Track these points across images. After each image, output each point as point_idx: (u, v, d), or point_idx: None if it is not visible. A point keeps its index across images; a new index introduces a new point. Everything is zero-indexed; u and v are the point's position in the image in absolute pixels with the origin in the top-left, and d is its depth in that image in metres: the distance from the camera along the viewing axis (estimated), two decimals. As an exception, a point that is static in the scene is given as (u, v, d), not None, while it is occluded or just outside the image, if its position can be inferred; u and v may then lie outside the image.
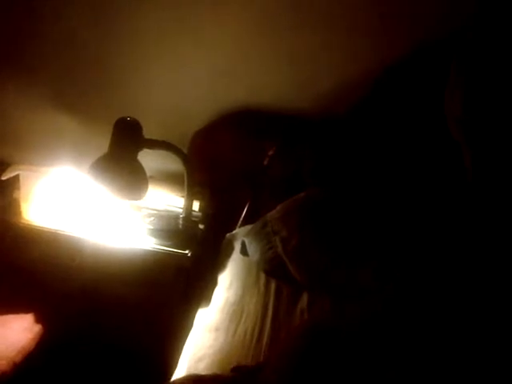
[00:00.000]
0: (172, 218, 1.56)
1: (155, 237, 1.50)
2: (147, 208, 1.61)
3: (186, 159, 1.43)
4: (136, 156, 1.37)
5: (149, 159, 1.41)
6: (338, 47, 1.46)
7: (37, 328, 1.35)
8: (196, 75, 1.57)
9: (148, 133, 1.38)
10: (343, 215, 1.32)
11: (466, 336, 0.65)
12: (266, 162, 1.58)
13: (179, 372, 1.13)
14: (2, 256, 1.52)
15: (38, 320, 1.37)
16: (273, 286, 1.31)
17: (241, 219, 1.61)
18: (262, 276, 1.35)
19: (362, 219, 1.29)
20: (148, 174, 1.41)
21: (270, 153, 1.57)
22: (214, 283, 1.39)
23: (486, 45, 0.62)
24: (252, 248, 1.37)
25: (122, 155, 1.36)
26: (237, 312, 1.23)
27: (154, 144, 1.39)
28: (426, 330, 0.70)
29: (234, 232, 1.57)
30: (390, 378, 0.67)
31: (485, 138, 0.63)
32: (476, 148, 0.67)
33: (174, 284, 1.45)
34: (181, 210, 1.51)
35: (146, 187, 1.41)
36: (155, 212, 1.60)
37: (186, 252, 1.46)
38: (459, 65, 0.65)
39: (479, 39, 0.65)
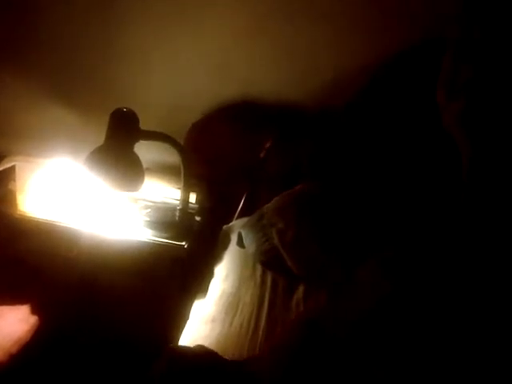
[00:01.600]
0: (168, 209, 1.56)
1: (152, 228, 1.50)
2: (144, 200, 1.61)
3: (182, 151, 1.42)
4: (132, 147, 1.36)
5: (145, 151, 1.41)
6: (337, 41, 1.46)
7: (33, 319, 1.35)
8: (194, 67, 1.57)
9: (145, 124, 1.37)
10: (340, 209, 1.32)
11: (464, 337, 0.64)
12: (262, 155, 1.57)
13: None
14: (-2, 247, 1.52)
15: (34, 311, 1.37)
16: (269, 277, 1.31)
17: (237, 211, 1.61)
18: (259, 268, 1.35)
19: (359, 214, 1.29)
20: (144, 165, 1.40)
21: (267, 145, 1.56)
22: (211, 275, 1.39)
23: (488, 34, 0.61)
24: (248, 240, 1.37)
25: (118, 146, 1.36)
26: (233, 304, 1.23)
27: (150, 135, 1.39)
28: (421, 330, 0.69)
29: (230, 224, 1.57)
30: (381, 377, 0.67)
31: (488, 133, 0.62)
32: (477, 144, 0.65)
33: (171, 276, 1.45)
34: (177, 202, 1.50)
35: (143, 179, 1.40)
36: (152, 204, 1.60)
37: (183, 244, 1.46)
38: (461, 54, 0.63)
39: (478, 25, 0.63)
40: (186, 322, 1.25)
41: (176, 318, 1.32)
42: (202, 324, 1.20)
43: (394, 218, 1.23)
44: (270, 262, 1.33)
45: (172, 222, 1.50)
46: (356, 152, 1.47)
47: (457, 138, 0.72)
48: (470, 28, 0.69)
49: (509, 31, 0.59)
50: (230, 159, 1.62)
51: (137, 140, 1.36)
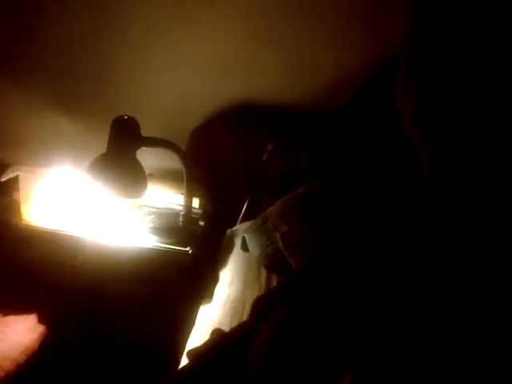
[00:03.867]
0: (172, 215, 1.56)
1: (156, 235, 1.50)
2: (147, 206, 1.61)
3: (184, 156, 1.42)
4: (134, 154, 1.37)
5: (147, 157, 1.41)
6: (337, 42, 1.46)
7: (40, 328, 1.36)
8: (193, 73, 1.57)
9: (146, 130, 1.37)
10: (343, 210, 1.31)
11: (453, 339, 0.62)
12: (264, 158, 1.58)
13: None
14: (3, 257, 1.53)
15: (41, 320, 1.38)
16: (274, 281, 1.31)
17: (241, 215, 1.61)
18: (263, 271, 1.35)
19: (362, 214, 1.29)
20: (147, 171, 1.41)
21: (269, 148, 1.57)
22: (216, 280, 1.39)
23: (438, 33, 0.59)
24: (252, 244, 1.37)
25: (120, 154, 1.36)
26: (238, 308, 1.23)
27: (152, 142, 1.39)
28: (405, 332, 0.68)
29: (234, 228, 1.57)
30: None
31: (443, 134, 0.61)
32: (433, 146, 0.64)
33: (176, 281, 1.45)
34: (181, 208, 1.51)
35: (145, 185, 1.41)
36: (155, 210, 1.61)
37: (187, 249, 1.46)
38: (412, 54, 0.62)
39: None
40: (192, 328, 1.26)
41: (182, 322, 1.32)
42: (208, 329, 1.19)
43: (395, 219, 1.23)
44: (274, 266, 1.33)
45: (176, 227, 1.50)
46: (357, 153, 1.47)
47: (414, 137, 0.71)
48: (419, 31, 0.68)
49: (455, 35, 0.58)
50: (232, 163, 1.62)
51: (138, 147, 1.37)
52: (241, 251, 1.43)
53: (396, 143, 1.39)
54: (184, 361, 1.11)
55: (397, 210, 1.25)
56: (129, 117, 1.35)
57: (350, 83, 1.49)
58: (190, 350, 0.91)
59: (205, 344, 0.90)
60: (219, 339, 0.90)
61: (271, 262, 1.33)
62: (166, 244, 1.47)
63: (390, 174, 1.36)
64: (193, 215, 1.52)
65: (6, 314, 1.40)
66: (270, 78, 1.57)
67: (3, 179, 1.55)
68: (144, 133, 1.37)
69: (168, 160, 1.48)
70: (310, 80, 1.55)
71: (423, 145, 0.67)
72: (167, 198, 1.64)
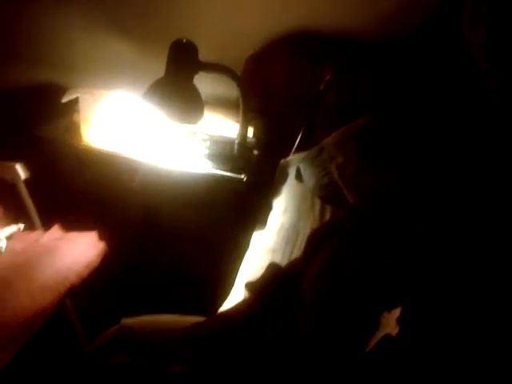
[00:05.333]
0: (227, 143, 1.56)
1: (211, 161, 1.51)
2: (202, 133, 1.62)
3: (241, 84, 1.41)
4: (192, 79, 1.36)
5: (203, 84, 1.40)
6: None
7: (101, 245, 1.42)
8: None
9: (202, 57, 1.36)
10: (401, 144, 1.28)
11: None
12: (322, 87, 1.54)
13: (236, 291, 1.18)
14: (64, 177, 1.59)
15: (101, 237, 1.44)
16: (328, 212, 1.32)
17: (295, 145, 1.60)
18: (317, 202, 1.35)
19: (419, 147, 1.25)
20: (203, 99, 1.40)
21: (327, 77, 1.52)
22: (269, 208, 1.41)
23: None
24: (307, 174, 1.37)
25: (178, 78, 1.36)
26: (292, 235, 1.25)
27: (209, 67, 1.37)
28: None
29: (288, 158, 1.57)
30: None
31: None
32: (501, 76, 0.60)
33: (230, 207, 1.48)
34: (235, 136, 1.51)
35: (202, 112, 1.40)
36: (210, 137, 1.61)
37: (242, 177, 1.47)
38: None
39: None
40: (246, 252, 1.29)
41: (236, 247, 1.36)
42: (262, 254, 1.23)
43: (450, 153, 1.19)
44: (329, 197, 1.34)
45: (230, 155, 1.51)
46: (420, 85, 1.41)
47: (484, 67, 0.66)
48: None
49: None
50: (288, 92, 1.59)
51: (196, 72, 1.36)
52: (295, 181, 1.43)
53: (463, 78, 1.32)
54: (238, 289, 1.15)
55: (456, 144, 1.21)
56: (187, 40, 1.33)
57: (417, 10, 1.40)
58: (248, 283, 0.92)
59: (263, 279, 0.90)
60: (277, 275, 0.91)
61: (326, 192, 1.34)
62: (222, 171, 1.49)
63: (453, 108, 1.31)
64: (247, 144, 1.52)
65: (68, 231, 1.46)
66: (331, 3, 1.49)
67: (64, 100, 1.57)
68: (201, 59, 1.35)
69: (223, 87, 1.47)
70: (375, 5, 1.47)
71: (492, 75, 0.63)
72: (222, 125, 1.64)
